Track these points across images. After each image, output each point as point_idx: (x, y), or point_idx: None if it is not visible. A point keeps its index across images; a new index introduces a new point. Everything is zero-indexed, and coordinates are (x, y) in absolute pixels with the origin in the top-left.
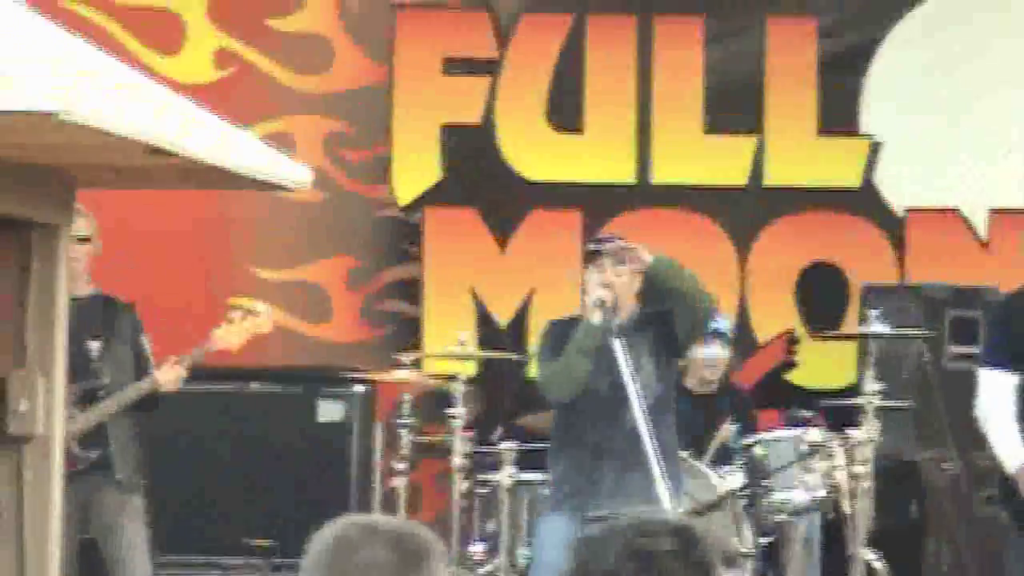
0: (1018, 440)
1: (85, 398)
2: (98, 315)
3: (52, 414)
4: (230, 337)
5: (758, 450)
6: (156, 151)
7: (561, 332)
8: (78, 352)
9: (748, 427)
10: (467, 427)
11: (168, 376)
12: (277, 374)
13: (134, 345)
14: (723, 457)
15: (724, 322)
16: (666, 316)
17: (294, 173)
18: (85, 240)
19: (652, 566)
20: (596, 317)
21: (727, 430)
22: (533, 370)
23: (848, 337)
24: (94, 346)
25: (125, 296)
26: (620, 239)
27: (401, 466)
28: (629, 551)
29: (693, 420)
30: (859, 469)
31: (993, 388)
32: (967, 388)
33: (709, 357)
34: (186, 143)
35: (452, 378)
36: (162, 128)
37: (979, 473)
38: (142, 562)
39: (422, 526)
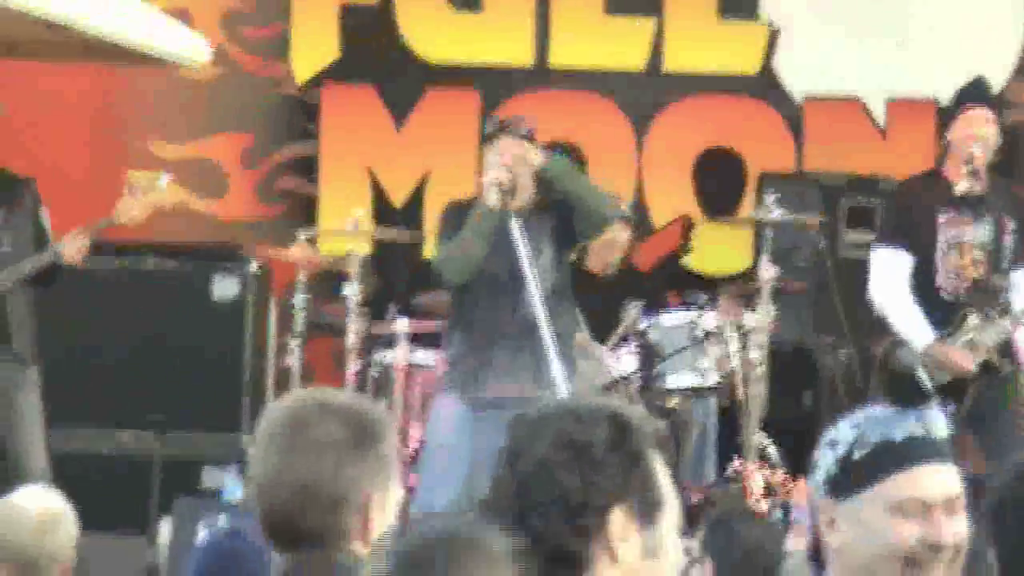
0: (921, 318)
1: None
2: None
3: None
4: (132, 210)
5: (653, 333)
6: (52, 25)
7: (459, 213)
8: None
9: (644, 311)
10: (361, 305)
11: (72, 248)
12: (171, 250)
13: (33, 218)
14: (621, 340)
15: (621, 204)
16: (563, 208)
17: (192, 48)
18: None
19: (585, 455)
20: (493, 198)
21: (626, 315)
22: (429, 250)
23: (745, 223)
24: None
25: (22, 170)
26: (523, 120)
27: (295, 344)
28: (564, 440)
29: (590, 303)
30: (754, 354)
31: (889, 268)
32: (862, 276)
33: (606, 240)
34: (84, 16)
35: (347, 256)
36: (60, 1)
37: (870, 361)
38: (36, 431)
39: (373, 404)
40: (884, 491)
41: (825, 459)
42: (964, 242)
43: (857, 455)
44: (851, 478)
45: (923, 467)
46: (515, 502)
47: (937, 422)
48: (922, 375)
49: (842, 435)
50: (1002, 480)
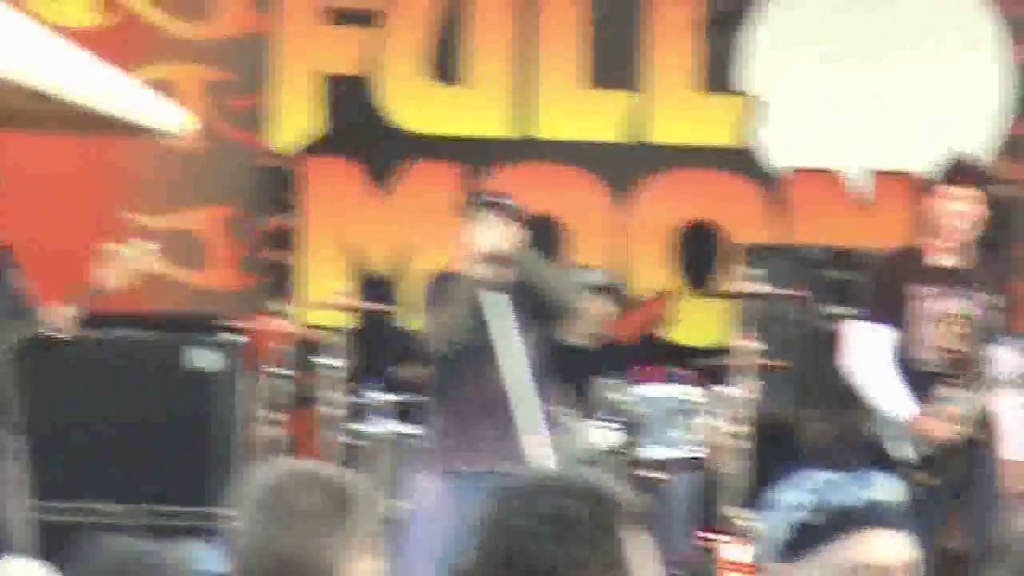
0: (904, 392)
1: None
2: None
3: None
4: (114, 278)
5: (635, 406)
6: (36, 96)
7: (444, 285)
8: None
9: (626, 383)
10: (342, 378)
11: (61, 321)
12: (153, 321)
13: (12, 288)
14: (601, 413)
15: (603, 277)
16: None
17: (176, 120)
18: None
19: (571, 530)
20: (479, 271)
21: (606, 387)
22: (413, 322)
23: (727, 295)
24: None
25: (4, 240)
26: (505, 194)
27: (277, 415)
28: (544, 515)
29: (571, 375)
30: (735, 427)
31: (870, 342)
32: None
33: (587, 313)
34: (68, 88)
35: (331, 329)
36: (44, 72)
37: (853, 432)
38: (21, 501)
39: (355, 474)
40: (841, 555)
41: (780, 523)
42: (947, 315)
43: (816, 519)
44: (809, 541)
45: (881, 533)
46: (499, 573)
47: (893, 488)
48: (904, 447)
49: (799, 499)
50: (982, 558)
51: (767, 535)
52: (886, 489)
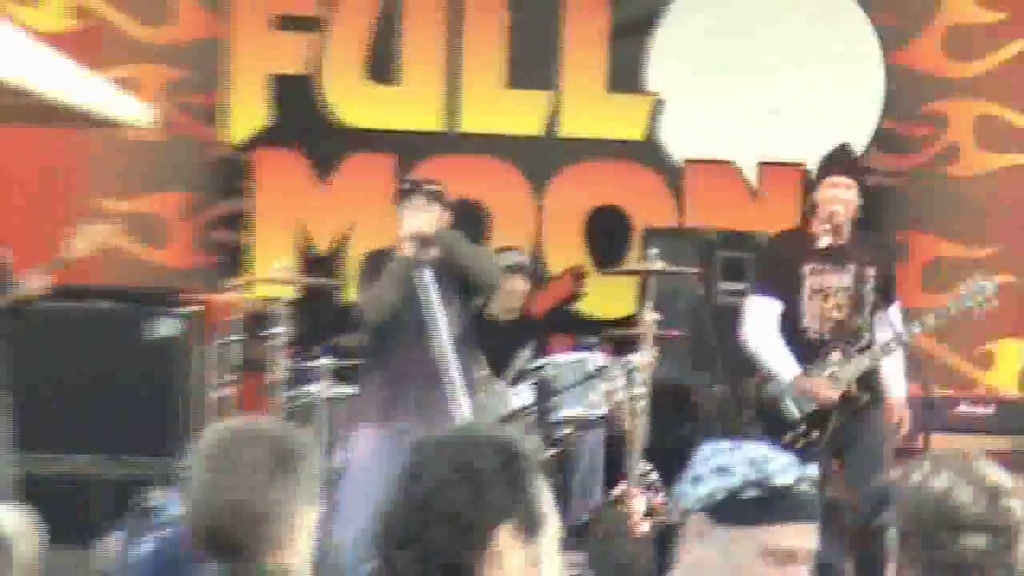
0: (788, 356)
1: None
2: None
3: None
4: (82, 244)
5: (548, 371)
6: (12, 92)
7: (377, 262)
8: None
9: (540, 351)
10: (287, 345)
11: (36, 284)
12: (118, 294)
13: None
14: (519, 378)
15: (521, 257)
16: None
17: (138, 114)
18: None
19: (475, 478)
20: (409, 250)
21: (523, 355)
22: (350, 295)
23: (630, 273)
24: None
25: None
26: (433, 181)
27: (228, 378)
28: (456, 464)
29: (493, 344)
30: (637, 391)
31: (760, 313)
32: (735, 321)
33: (507, 289)
34: (40, 84)
35: (275, 301)
36: (17, 69)
37: (743, 396)
38: (4, 453)
39: (297, 429)
40: (761, 535)
41: (714, 483)
42: (827, 288)
43: (748, 494)
44: (735, 511)
45: (800, 525)
46: (413, 519)
47: (810, 475)
48: (789, 405)
49: (737, 468)
50: (862, 508)
51: (698, 487)
52: (809, 473)
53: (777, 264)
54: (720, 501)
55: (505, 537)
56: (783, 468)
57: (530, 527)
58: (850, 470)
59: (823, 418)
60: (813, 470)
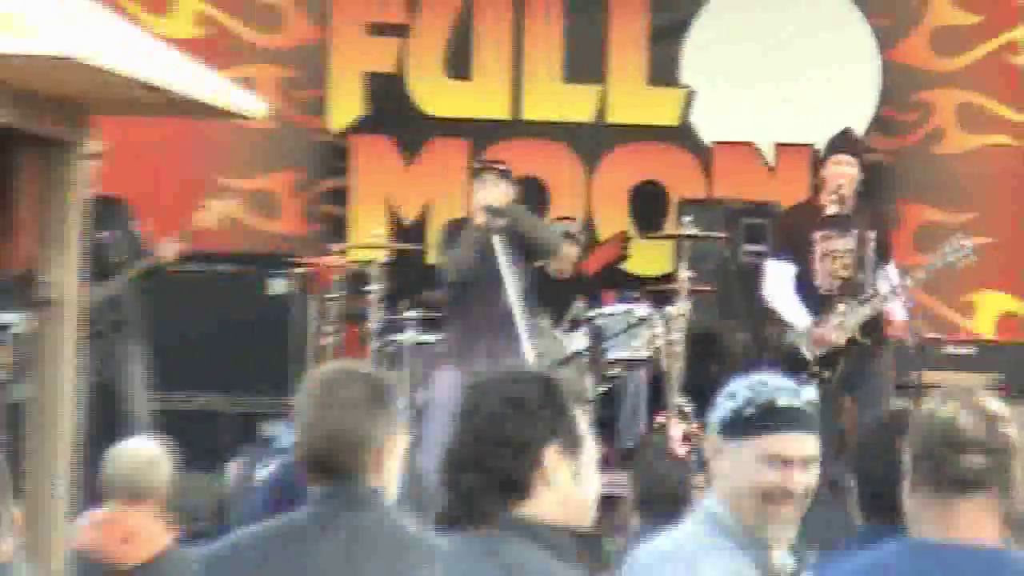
0: (802, 309)
1: (102, 275)
2: (104, 210)
3: (69, 285)
4: (209, 217)
5: (599, 320)
6: (148, 87)
7: (455, 230)
8: (91, 238)
9: (592, 303)
10: (380, 300)
11: (168, 250)
12: (241, 258)
13: (132, 230)
14: (574, 326)
15: (574, 226)
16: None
17: (255, 107)
18: (95, 156)
19: (524, 409)
20: (482, 219)
21: (578, 306)
22: (432, 258)
23: (667, 237)
24: (104, 235)
25: (127, 195)
26: (501, 162)
27: (331, 329)
28: (507, 398)
29: (552, 299)
30: (674, 336)
31: (778, 274)
32: (756, 277)
33: (564, 254)
34: (171, 82)
35: (372, 263)
36: (152, 70)
37: (764, 342)
38: (142, 393)
39: (386, 371)
40: (760, 445)
41: (723, 407)
42: (835, 251)
43: (747, 411)
44: (739, 427)
45: (792, 434)
46: (474, 447)
47: (811, 397)
48: (803, 350)
49: (741, 391)
50: (863, 430)
51: (714, 414)
52: (806, 398)
53: (791, 233)
54: (729, 419)
55: (552, 456)
56: (780, 388)
57: (571, 447)
58: (859, 404)
59: (833, 360)
60: (808, 392)
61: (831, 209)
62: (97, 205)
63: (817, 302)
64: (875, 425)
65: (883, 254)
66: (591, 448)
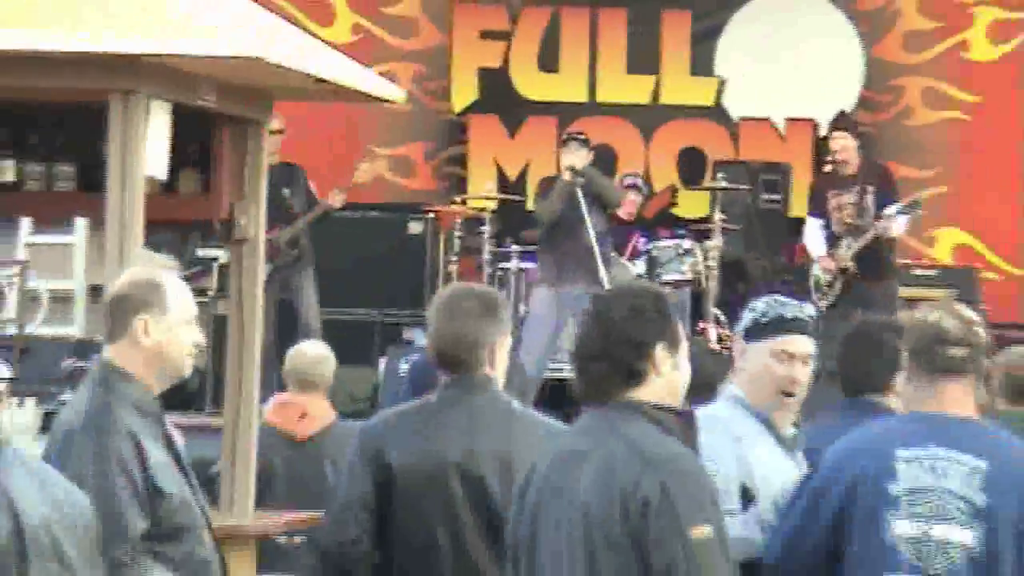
0: (822, 244)
1: (282, 219)
2: (285, 173)
3: (258, 228)
4: (362, 175)
5: (653, 251)
6: (317, 80)
7: (548, 185)
8: (276, 193)
9: (650, 239)
10: (491, 237)
11: (336, 200)
12: (387, 206)
13: (307, 189)
14: (635, 256)
15: (637, 180)
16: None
17: (396, 94)
18: (277, 132)
19: (641, 313)
20: (567, 177)
21: (640, 240)
22: (531, 206)
23: (705, 189)
24: (286, 191)
25: (300, 161)
26: (582, 133)
27: (454, 259)
28: (628, 305)
29: (620, 236)
30: (711, 263)
31: (811, 226)
32: (771, 219)
33: (630, 201)
34: (334, 75)
35: (483, 210)
36: (320, 66)
37: (779, 267)
38: (315, 308)
39: (497, 291)
40: (771, 344)
41: (746, 316)
42: (843, 204)
43: (764, 320)
44: (756, 332)
45: (794, 336)
46: (601, 343)
47: (810, 310)
48: (817, 274)
49: (759, 305)
50: (847, 328)
51: (740, 322)
52: (807, 310)
53: (816, 195)
54: (750, 326)
55: (660, 351)
56: (788, 304)
57: (673, 344)
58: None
59: (834, 282)
60: (809, 307)
61: (839, 171)
62: (280, 169)
63: (831, 242)
64: (857, 325)
65: (887, 197)
66: (685, 345)
